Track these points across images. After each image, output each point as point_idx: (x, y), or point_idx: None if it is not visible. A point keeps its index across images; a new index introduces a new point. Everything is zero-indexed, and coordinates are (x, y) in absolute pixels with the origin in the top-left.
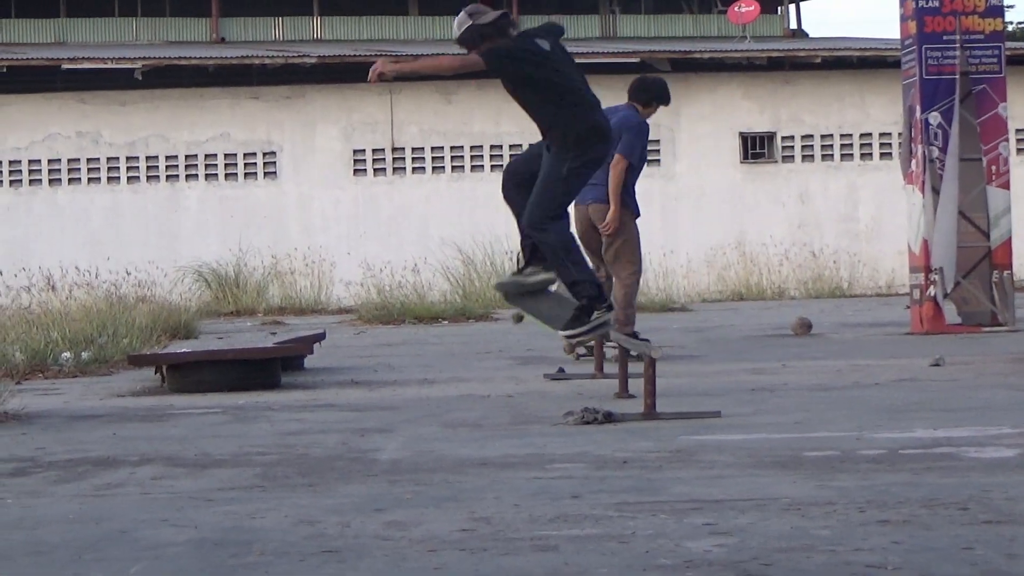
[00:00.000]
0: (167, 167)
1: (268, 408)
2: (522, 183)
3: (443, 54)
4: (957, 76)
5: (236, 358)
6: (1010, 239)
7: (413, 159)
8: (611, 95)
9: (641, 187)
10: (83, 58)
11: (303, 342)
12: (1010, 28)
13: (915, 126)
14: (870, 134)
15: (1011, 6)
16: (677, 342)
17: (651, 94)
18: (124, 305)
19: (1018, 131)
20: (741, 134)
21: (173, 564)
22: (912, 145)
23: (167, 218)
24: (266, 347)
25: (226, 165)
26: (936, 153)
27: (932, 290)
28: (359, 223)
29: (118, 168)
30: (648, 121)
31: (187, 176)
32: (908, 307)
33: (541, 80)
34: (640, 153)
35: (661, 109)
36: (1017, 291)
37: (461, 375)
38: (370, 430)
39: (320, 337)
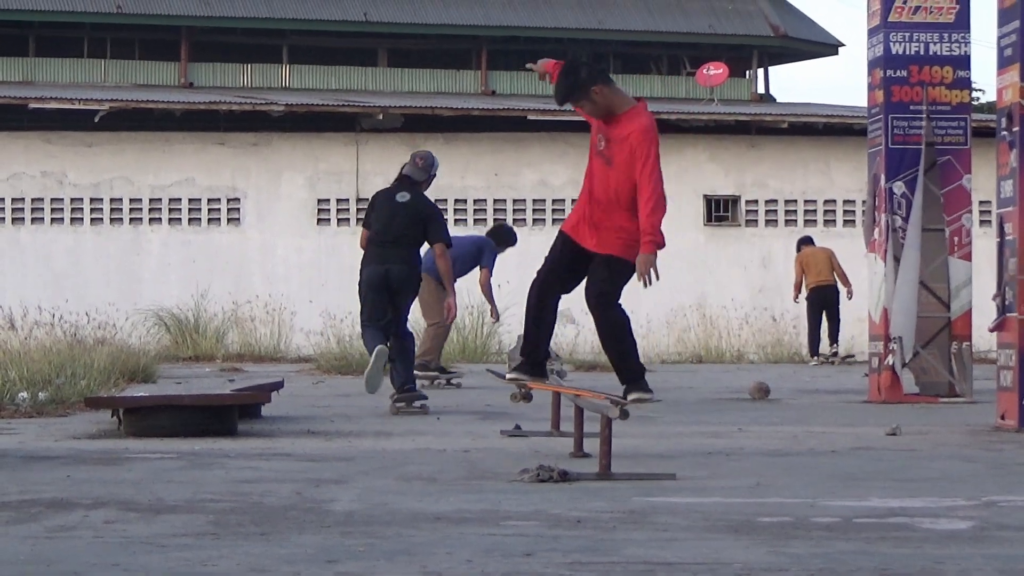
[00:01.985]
0: (131, 210)
1: (224, 455)
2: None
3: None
4: (923, 146)
5: (193, 404)
6: (970, 311)
7: None
8: (576, 152)
9: None
10: (50, 98)
11: (261, 390)
12: (977, 101)
13: (879, 194)
14: (834, 201)
15: (981, 90)
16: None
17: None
18: (83, 347)
19: (982, 203)
20: (705, 196)
21: None
22: (876, 213)
23: (129, 261)
24: (223, 394)
25: (190, 210)
26: (899, 222)
27: (891, 359)
28: (321, 272)
29: (82, 209)
30: None
31: (151, 220)
32: (867, 375)
33: None
34: None
35: None
36: (976, 363)
37: (418, 428)
38: (325, 481)
39: (278, 385)
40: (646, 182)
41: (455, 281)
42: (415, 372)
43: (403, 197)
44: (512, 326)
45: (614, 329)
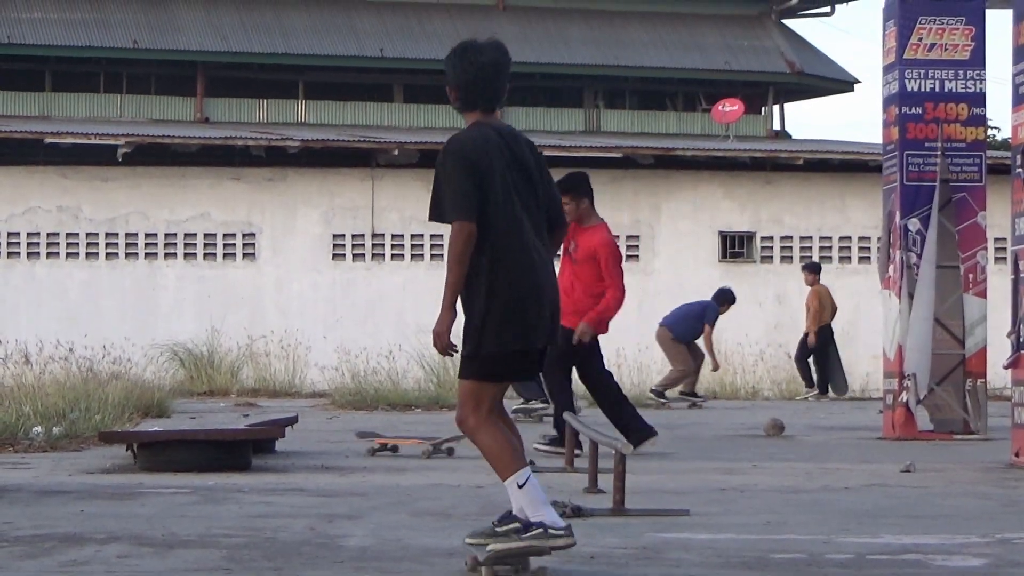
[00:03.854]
0: (146, 245)
1: (237, 490)
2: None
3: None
4: (937, 183)
5: (207, 439)
6: (985, 348)
7: (392, 245)
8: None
9: None
10: (66, 133)
11: (275, 425)
12: (992, 139)
13: (894, 231)
14: (849, 237)
15: (996, 127)
16: None
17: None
18: (97, 381)
19: (997, 240)
20: (721, 232)
21: None
22: (891, 250)
23: (144, 295)
24: (237, 429)
25: (205, 245)
26: (914, 259)
27: (905, 395)
28: (336, 307)
29: (97, 244)
30: (628, 217)
31: (166, 254)
32: (881, 411)
33: None
34: None
35: (642, 204)
36: (990, 400)
37: (431, 464)
38: (338, 516)
39: (292, 421)
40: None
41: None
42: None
43: None
44: None
45: None
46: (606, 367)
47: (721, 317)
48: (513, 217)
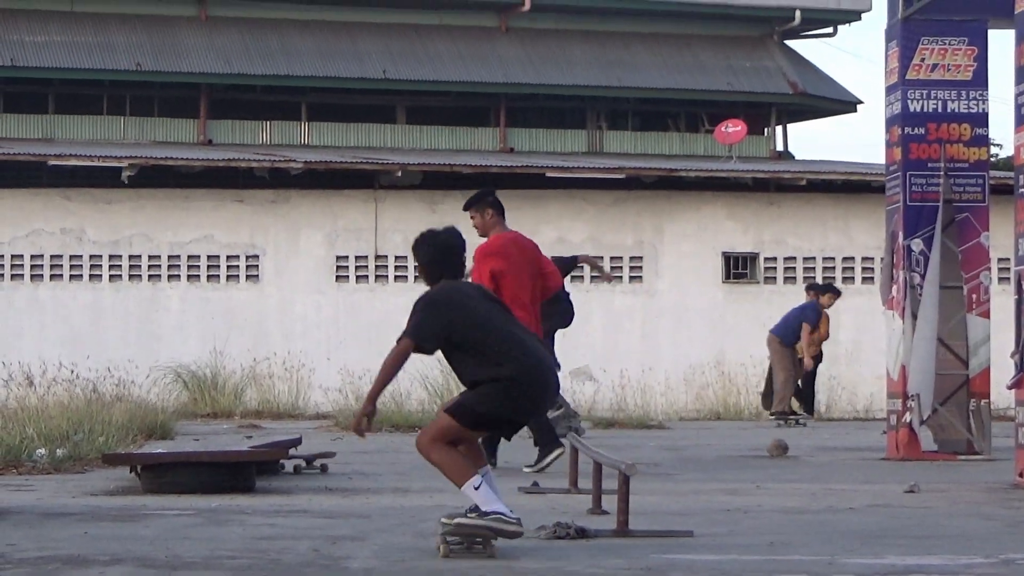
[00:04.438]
0: (150, 267)
1: (241, 512)
2: None
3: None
4: (940, 204)
5: (211, 461)
6: (988, 368)
7: (396, 267)
8: (594, 210)
9: (623, 303)
10: (70, 155)
11: (279, 447)
12: (995, 158)
13: (897, 252)
14: (852, 258)
15: (999, 145)
16: (653, 460)
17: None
18: (101, 403)
19: (1000, 260)
20: (724, 254)
21: None
22: (894, 271)
23: (148, 317)
24: (241, 451)
25: (208, 267)
26: (917, 280)
27: (908, 416)
28: (340, 329)
29: (100, 266)
30: (631, 238)
31: (169, 276)
32: (885, 432)
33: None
34: None
35: (645, 225)
36: (994, 420)
37: (436, 485)
38: (342, 538)
39: (296, 442)
40: None
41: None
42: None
43: None
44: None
45: None
46: None
47: (726, 338)
48: (502, 327)
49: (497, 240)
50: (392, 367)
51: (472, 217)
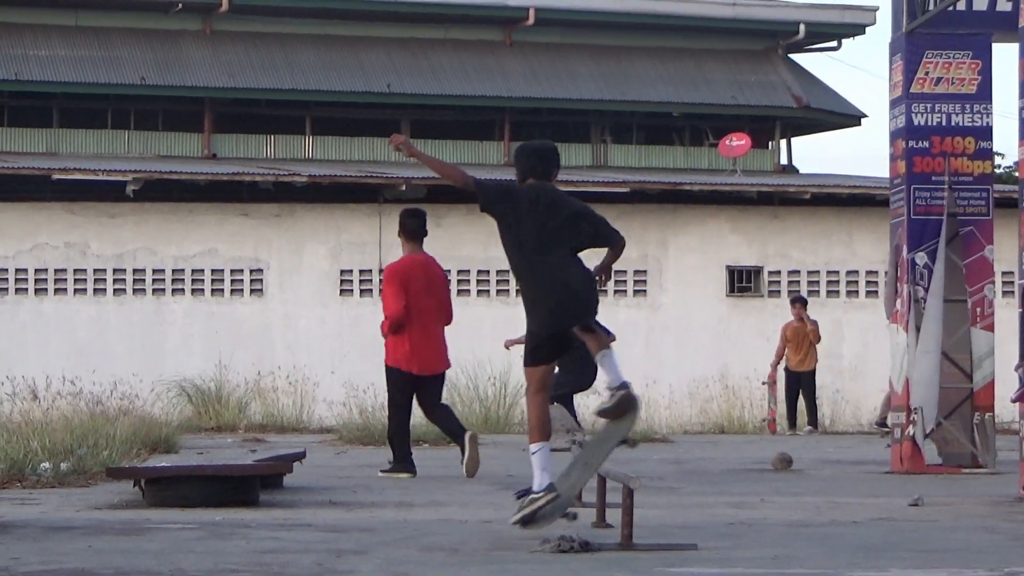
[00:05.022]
0: (154, 281)
1: (245, 525)
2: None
3: (458, 166)
4: (944, 217)
5: (215, 474)
6: (993, 381)
7: None
8: None
9: (627, 316)
10: (74, 169)
11: (283, 460)
12: (999, 171)
13: (901, 265)
14: (856, 271)
15: (1001, 154)
16: (657, 473)
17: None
18: (105, 417)
19: (1004, 273)
20: (728, 267)
21: None
22: (898, 284)
23: (152, 331)
24: (245, 464)
25: (213, 281)
26: (921, 293)
27: (912, 429)
28: (344, 343)
29: (105, 280)
30: (635, 252)
31: (174, 290)
32: (889, 445)
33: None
34: None
35: (650, 239)
36: (999, 434)
37: (440, 499)
38: (346, 551)
39: (300, 456)
40: None
41: None
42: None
43: None
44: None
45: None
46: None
47: (730, 352)
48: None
49: (405, 261)
50: (443, 167)
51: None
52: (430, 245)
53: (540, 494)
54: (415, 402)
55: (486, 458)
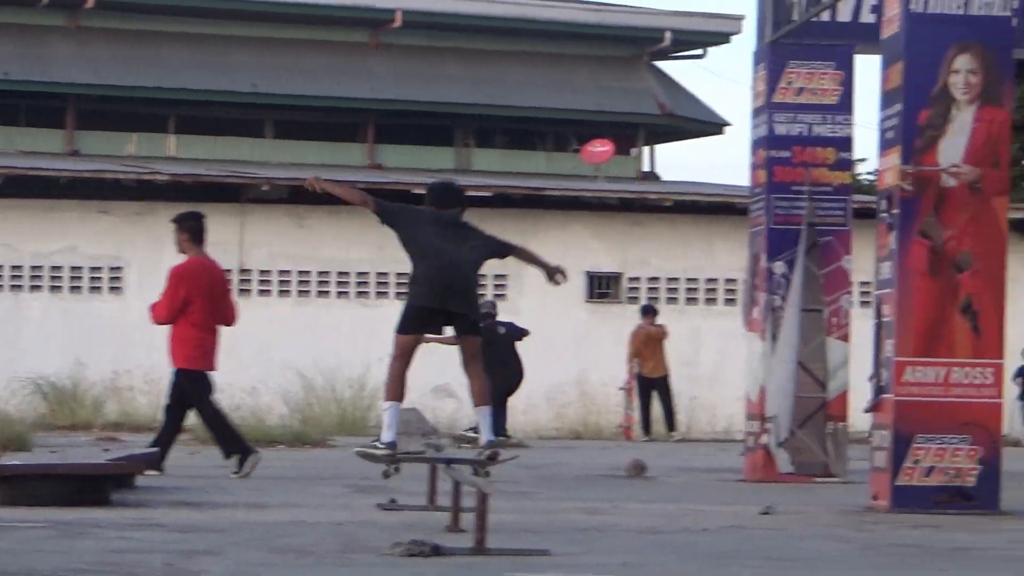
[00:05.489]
0: (12, 277)
1: (96, 525)
2: None
3: (361, 191)
4: (804, 227)
5: (67, 473)
6: (846, 391)
7: (260, 281)
8: None
9: None
10: None
11: (136, 460)
12: (860, 180)
13: (759, 274)
14: (716, 279)
15: (863, 159)
16: (512, 478)
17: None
18: None
19: (861, 283)
20: (588, 273)
21: None
22: (755, 293)
23: (9, 328)
24: (97, 464)
25: (72, 278)
26: (778, 302)
27: (766, 438)
28: None
29: None
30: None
31: (32, 287)
32: (743, 453)
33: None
34: None
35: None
36: (851, 443)
37: (293, 500)
38: (197, 552)
39: (154, 456)
40: None
41: None
42: None
43: None
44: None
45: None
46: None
47: (589, 358)
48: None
49: (190, 264)
50: (352, 195)
51: (175, 232)
52: (292, 245)
53: (382, 447)
54: (176, 398)
55: (341, 460)
